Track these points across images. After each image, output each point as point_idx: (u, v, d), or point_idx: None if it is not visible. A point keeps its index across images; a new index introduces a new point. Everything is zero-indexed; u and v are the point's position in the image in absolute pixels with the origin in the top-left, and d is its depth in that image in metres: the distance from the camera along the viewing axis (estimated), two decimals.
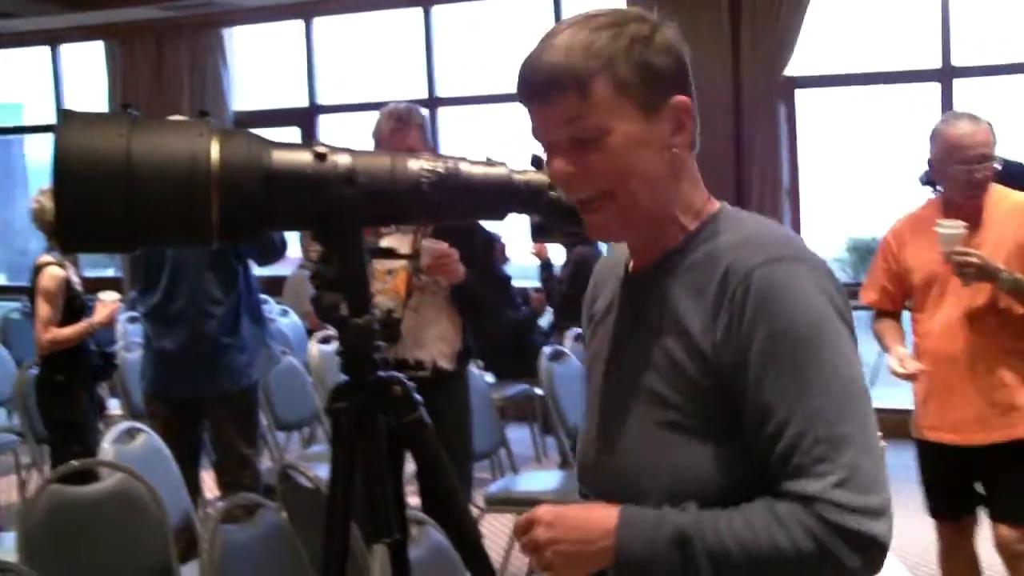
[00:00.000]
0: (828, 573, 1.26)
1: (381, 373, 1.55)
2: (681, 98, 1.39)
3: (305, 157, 1.49)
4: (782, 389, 1.28)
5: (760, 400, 1.30)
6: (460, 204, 1.56)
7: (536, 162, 1.57)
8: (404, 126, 3.48)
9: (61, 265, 4.49)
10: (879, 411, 4.85)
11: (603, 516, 1.34)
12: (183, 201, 1.42)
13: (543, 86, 1.32)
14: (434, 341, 3.54)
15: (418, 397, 1.57)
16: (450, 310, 3.57)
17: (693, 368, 1.34)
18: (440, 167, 1.53)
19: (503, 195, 1.55)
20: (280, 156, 1.48)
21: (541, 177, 1.56)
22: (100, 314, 4.56)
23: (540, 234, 1.61)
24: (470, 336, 3.67)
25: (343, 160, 1.49)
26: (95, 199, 1.41)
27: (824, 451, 1.26)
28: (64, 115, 1.45)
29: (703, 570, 1.27)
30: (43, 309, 4.43)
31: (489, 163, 1.56)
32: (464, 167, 1.55)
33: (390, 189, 1.51)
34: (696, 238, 1.41)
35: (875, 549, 1.26)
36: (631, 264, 1.49)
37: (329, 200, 1.48)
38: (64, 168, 1.41)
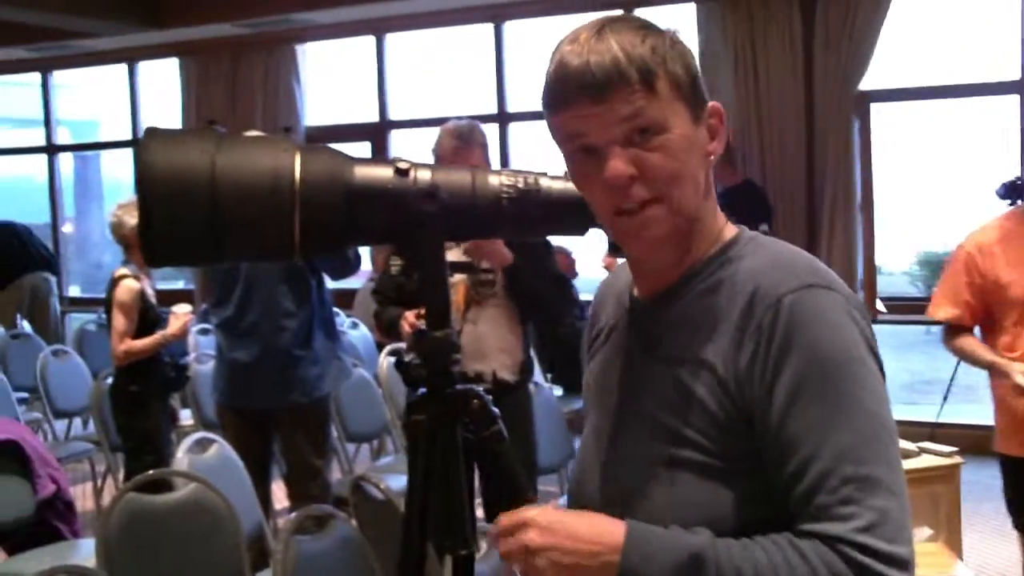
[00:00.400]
0: None
1: (459, 386, 1.55)
2: (716, 104, 1.35)
3: (387, 172, 1.49)
4: (809, 423, 1.21)
5: (785, 433, 1.22)
6: (540, 219, 1.54)
7: None
8: (466, 145, 3.48)
9: (137, 278, 4.57)
10: (955, 426, 4.81)
11: (609, 528, 1.25)
12: (266, 217, 1.43)
13: (604, 81, 1.26)
14: (495, 353, 3.54)
15: (496, 411, 1.56)
16: (511, 322, 3.57)
17: (713, 401, 1.27)
18: (520, 182, 1.53)
19: (583, 210, 1.50)
20: (362, 172, 1.49)
21: None
22: (173, 326, 4.63)
23: (617, 250, 1.60)
24: (531, 348, 3.66)
25: (424, 175, 1.50)
26: (179, 214, 1.43)
27: (852, 492, 1.18)
28: (149, 132, 1.47)
29: None
30: (119, 321, 4.51)
31: (569, 178, 1.55)
32: (544, 182, 1.54)
33: (471, 204, 1.51)
34: (713, 262, 1.35)
35: None
36: (636, 289, 1.44)
37: (410, 215, 1.48)
38: (149, 184, 1.42)
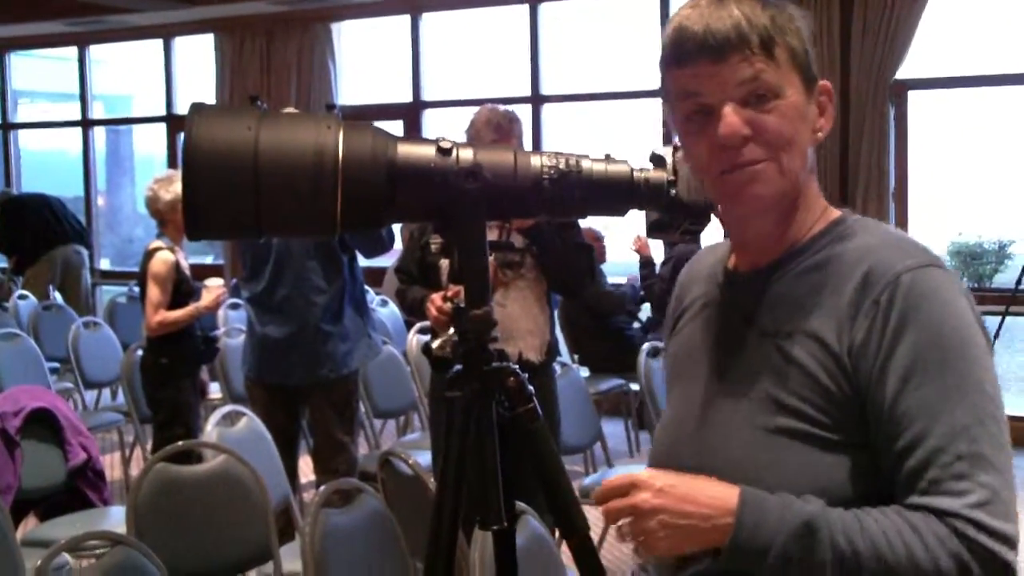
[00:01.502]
0: None
1: (496, 364, 1.55)
2: (826, 83, 1.38)
3: (429, 151, 1.50)
4: (924, 399, 1.23)
5: (899, 408, 1.24)
6: (580, 200, 1.54)
7: (656, 159, 1.56)
8: (505, 137, 3.47)
9: (171, 250, 4.60)
10: (1012, 418, 4.72)
11: (723, 492, 1.25)
12: (308, 193, 1.44)
13: (724, 43, 1.29)
14: (522, 335, 3.55)
15: (531, 389, 1.57)
16: (539, 303, 3.59)
17: (824, 373, 1.29)
18: (562, 164, 1.53)
19: (624, 192, 1.54)
20: (404, 150, 1.49)
21: (661, 174, 1.55)
22: (206, 299, 4.66)
23: (658, 231, 1.60)
24: (556, 329, 3.67)
25: (466, 155, 1.51)
26: (222, 188, 1.44)
27: (965, 469, 1.20)
28: (195, 107, 1.48)
29: (828, 567, 1.20)
30: (153, 292, 4.54)
31: (610, 160, 1.56)
32: (585, 164, 1.54)
33: (512, 185, 1.52)
34: (821, 239, 1.38)
35: None
36: (736, 263, 1.47)
37: (452, 194, 1.48)
38: (194, 158, 1.44)
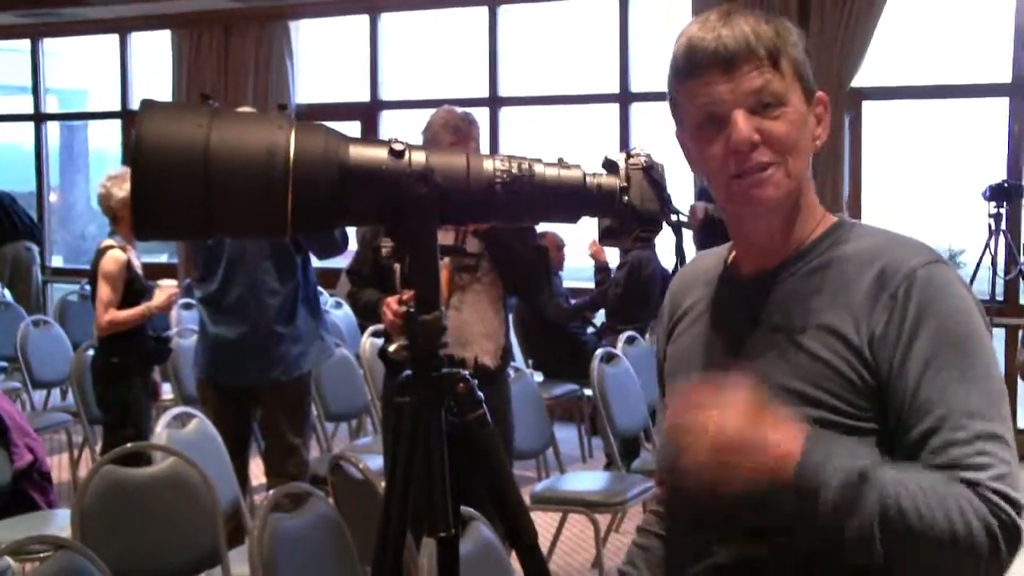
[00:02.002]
0: (982, 560, 1.29)
1: (446, 369, 1.55)
2: (823, 94, 1.48)
3: (381, 153, 1.49)
4: (943, 385, 1.33)
5: (920, 394, 1.34)
6: (533, 206, 1.54)
7: (609, 165, 1.56)
8: (463, 139, 3.47)
9: (123, 249, 4.55)
10: None
11: (790, 427, 1.31)
12: (259, 193, 1.43)
13: (734, 54, 1.39)
14: (477, 339, 3.54)
15: (481, 395, 1.57)
16: (494, 308, 3.58)
17: (845, 365, 1.37)
18: (514, 168, 1.53)
19: (577, 198, 1.54)
20: (356, 151, 1.48)
21: (614, 180, 1.55)
22: (158, 299, 4.62)
23: (610, 237, 1.60)
24: (511, 334, 3.66)
25: (419, 158, 1.50)
26: (171, 188, 1.42)
27: (984, 446, 1.31)
28: (145, 104, 1.46)
29: (874, 519, 1.27)
30: (104, 291, 4.49)
31: (563, 165, 1.56)
32: (538, 168, 1.54)
33: (464, 188, 1.51)
34: (823, 242, 1.47)
35: (1019, 543, 1.31)
36: (740, 267, 1.53)
37: (403, 197, 1.48)
38: (142, 157, 1.42)
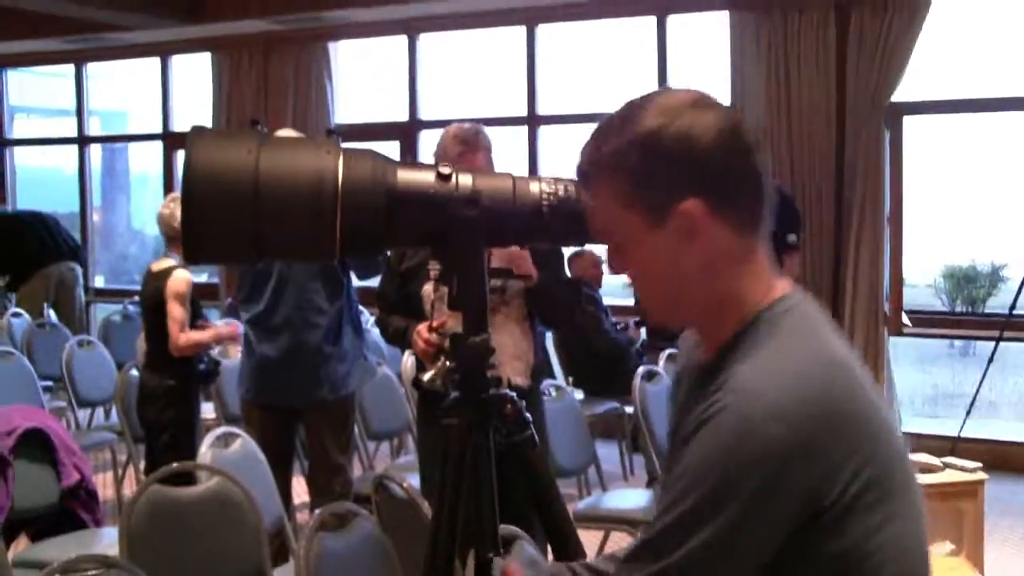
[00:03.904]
0: None
1: (493, 391, 1.55)
2: (687, 205, 1.25)
3: (428, 177, 1.50)
4: (665, 507, 1.23)
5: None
6: (579, 228, 1.54)
7: None
8: (471, 149, 3.44)
9: (185, 267, 4.56)
10: (978, 441, 4.81)
11: None
12: (308, 218, 1.45)
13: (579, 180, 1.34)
14: (508, 360, 3.51)
15: (528, 416, 1.57)
16: (522, 327, 3.55)
17: None
18: (560, 190, 1.53)
19: None
20: (404, 176, 1.50)
21: None
22: (226, 329, 4.69)
23: None
24: (543, 350, 3.64)
25: (466, 181, 1.51)
26: (222, 213, 1.44)
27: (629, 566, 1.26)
28: (194, 131, 1.48)
29: None
30: (177, 311, 4.49)
31: None
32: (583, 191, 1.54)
33: (511, 211, 1.52)
34: (725, 354, 1.29)
35: None
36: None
37: (451, 221, 1.49)
38: (193, 183, 1.44)
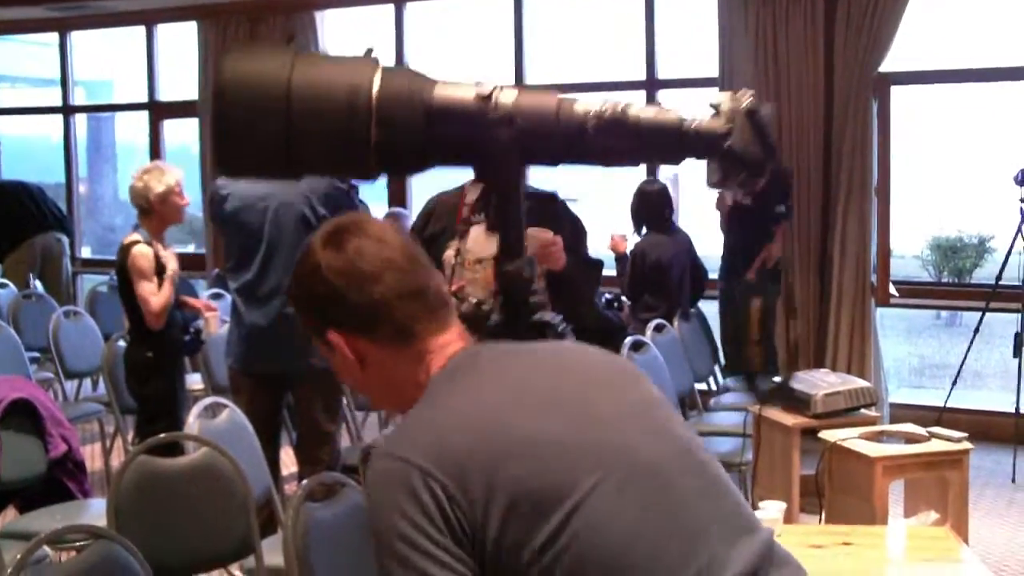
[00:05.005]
0: None
1: (537, 317, 1.54)
2: (331, 336, 1.49)
3: (467, 94, 1.46)
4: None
5: None
6: (627, 148, 1.50)
7: (714, 108, 1.52)
8: None
9: (149, 243, 4.53)
10: (963, 411, 4.83)
11: None
12: (342, 131, 1.42)
13: None
14: None
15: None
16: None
17: None
18: (608, 110, 1.49)
19: (674, 141, 1.49)
20: (441, 92, 1.46)
21: (715, 124, 1.50)
22: (211, 325, 4.79)
23: (718, 183, 1.57)
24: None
25: (506, 100, 1.46)
26: (254, 124, 1.43)
27: None
28: (230, 47, 1.49)
29: None
30: (145, 287, 4.47)
31: (659, 108, 1.52)
32: (632, 111, 1.50)
33: (552, 131, 1.47)
34: None
35: None
36: None
37: (486, 140, 1.45)
38: (226, 93, 1.43)
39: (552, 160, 1.64)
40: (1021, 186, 6.17)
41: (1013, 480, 5.84)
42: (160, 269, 4.56)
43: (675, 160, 1.54)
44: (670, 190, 6.16)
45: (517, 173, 1.48)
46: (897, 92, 6.96)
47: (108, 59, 12.78)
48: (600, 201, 6.83)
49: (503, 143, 1.44)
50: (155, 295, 4.47)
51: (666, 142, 1.49)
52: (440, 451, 1.32)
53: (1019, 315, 6.12)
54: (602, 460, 1.34)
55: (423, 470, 1.31)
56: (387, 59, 5.85)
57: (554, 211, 3.39)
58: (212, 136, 1.45)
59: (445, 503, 1.29)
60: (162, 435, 3.49)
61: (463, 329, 1.51)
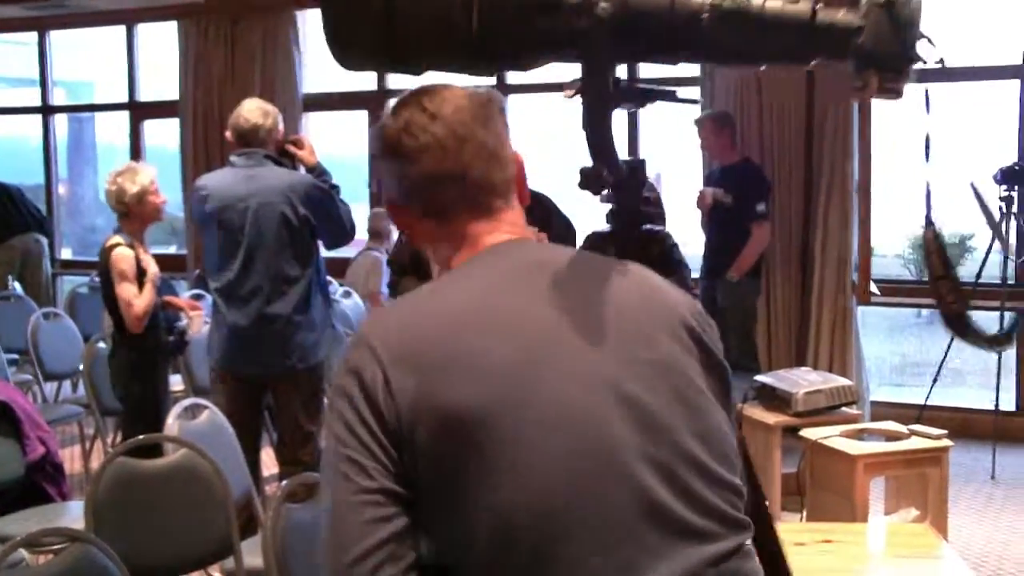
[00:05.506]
0: None
1: (646, 227, 1.49)
2: (386, 201, 1.57)
3: None
4: None
5: None
6: (748, 44, 1.36)
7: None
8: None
9: (130, 246, 4.51)
10: (943, 409, 4.86)
11: None
12: (443, 14, 1.41)
13: None
14: None
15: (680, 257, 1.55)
16: None
17: None
18: (727, 0, 1.34)
19: (802, 37, 1.33)
20: None
21: (850, 18, 1.33)
22: (194, 326, 4.74)
23: (858, 89, 1.43)
24: None
25: None
26: (356, 13, 1.45)
27: None
28: None
29: None
30: (127, 290, 4.44)
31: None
32: (756, 1, 1.34)
33: (665, 19, 1.35)
34: None
35: None
36: None
37: (589, 26, 1.33)
38: None
39: (666, 54, 1.51)
40: (1001, 185, 6.20)
41: (993, 477, 5.87)
42: (141, 272, 4.53)
43: (803, 60, 1.37)
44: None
45: (604, 70, 1.37)
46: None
47: (89, 59, 12.72)
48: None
49: (587, 32, 1.33)
50: (137, 298, 4.44)
51: (792, 37, 1.33)
52: (393, 341, 1.33)
53: (999, 313, 6.15)
54: (542, 411, 1.28)
55: (373, 352, 1.32)
56: None
57: (543, 211, 3.40)
58: (325, 36, 1.51)
59: (381, 390, 1.29)
60: (140, 436, 3.47)
61: (520, 219, 1.49)
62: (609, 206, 1.52)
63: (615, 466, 1.29)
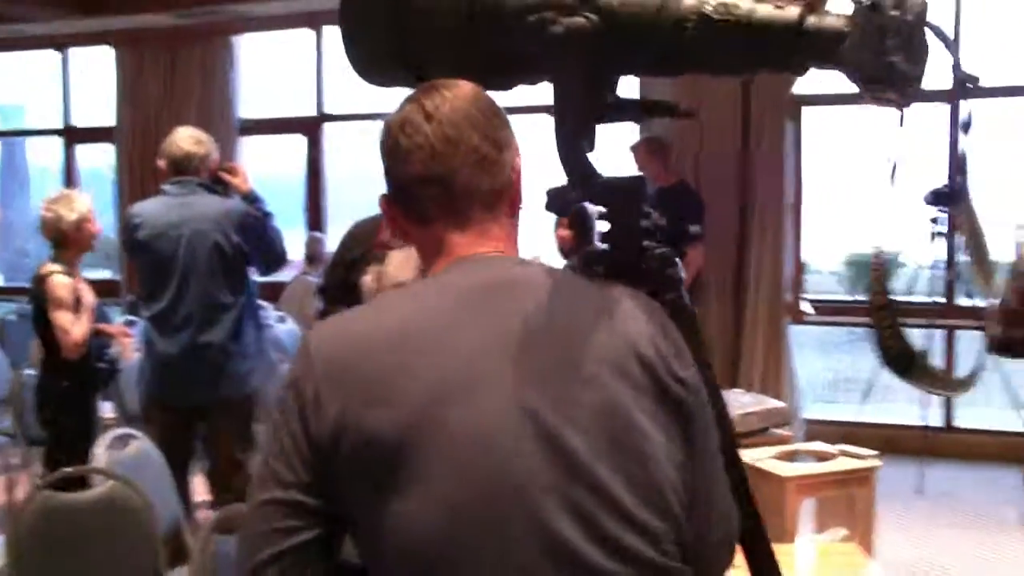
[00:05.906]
0: None
1: (646, 243, 1.43)
2: (382, 199, 1.51)
3: None
4: None
5: None
6: (733, 50, 1.30)
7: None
8: None
9: (67, 274, 4.45)
10: (872, 425, 4.91)
11: None
12: (451, 30, 1.47)
13: None
14: None
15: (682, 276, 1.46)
16: None
17: None
18: (709, 5, 1.28)
19: (790, 42, 1.27)
20: None
21: (837, 22, 1.24)
22: (126, 353, 4.64)
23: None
24: None
25: None
26: (369, 21, 1.53)
27: None
28: None
29: None
30: (63, 317, 4.37)
31: (777, 3, 1.29)
32: (745, 4, 1.28)
33: (648, 32, 1.30)
34: None
35: None
36: None
37: (562, 32, 1.31)
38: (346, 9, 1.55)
39: (648, 68, 1.46)
40: (931, 206, 6.32)
41: (920, 492, 5.97)
42: (77, 300, 4.47)
43: (793, 67, 1.31)
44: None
45: (583, 82, 1.32)
46: (810, 112, 7.10)
47: (20, 83, 12.55)
48: None
49: (580, 33, 1.28)
50: (76, 324, 4.38)
51: (781, 42, 1.26)
52: (330, 353, 1.34)
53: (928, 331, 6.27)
54: (452, 443, 1.27)
55: (311, 364, 1.33)
56: (307, 84, 5.85)
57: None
58: (343, 42, 1.58)
59: (311, 404, 1.31)
60: (66, 469, 3.42)
61: (504, 231, 1.46)
62: (606, 223, 1.50)
63: (520, 499, 1.26)
